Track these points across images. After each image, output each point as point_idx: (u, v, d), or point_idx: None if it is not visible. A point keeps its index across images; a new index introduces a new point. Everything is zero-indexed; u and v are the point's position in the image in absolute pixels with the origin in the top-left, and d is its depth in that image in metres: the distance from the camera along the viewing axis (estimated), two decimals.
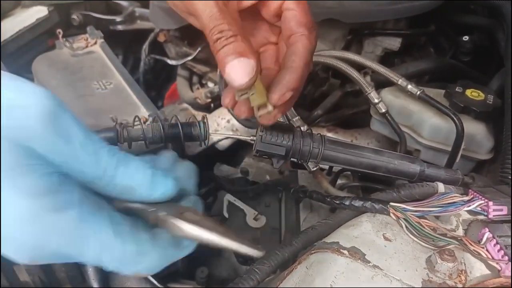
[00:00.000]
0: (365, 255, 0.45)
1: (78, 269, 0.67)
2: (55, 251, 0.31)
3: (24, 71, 0.91)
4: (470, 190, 0.51)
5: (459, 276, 0.43)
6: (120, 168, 0.34)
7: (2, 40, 0.92)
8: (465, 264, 0.45)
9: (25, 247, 0.30)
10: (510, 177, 0.56)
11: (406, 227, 0.47)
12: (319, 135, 0.51)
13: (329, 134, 0.89)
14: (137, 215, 0.36)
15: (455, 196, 0.49)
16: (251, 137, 0.50)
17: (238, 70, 0.37)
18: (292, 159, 0.51)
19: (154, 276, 0.54)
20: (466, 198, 0.49)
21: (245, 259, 0.68)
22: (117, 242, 0.32)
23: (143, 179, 0.36)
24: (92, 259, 0.32)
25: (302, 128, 0.55)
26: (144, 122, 0.51)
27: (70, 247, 0.31)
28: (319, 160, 0.50)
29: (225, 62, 0.37)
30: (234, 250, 0.35)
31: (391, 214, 0.49)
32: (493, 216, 0.48)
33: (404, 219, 0.48)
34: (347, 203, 0.52)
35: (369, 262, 0.44)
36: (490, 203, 0.48)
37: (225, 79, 0.39)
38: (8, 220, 0.29)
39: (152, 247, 0.34)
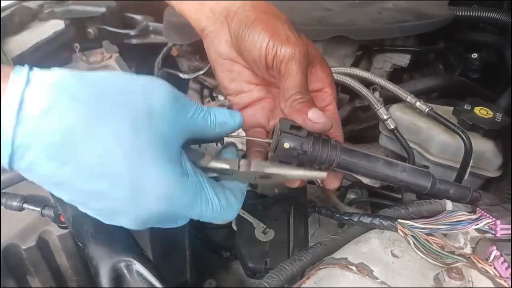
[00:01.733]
0: (373, 271, 0.45)
1: (89, 278, 0.68)
2: (178, 210, 0.40)
3: None
4: (477, 208, 0.51)
5: None
6: (213, 113, 0.45)
7: (20, 52, 0.95)
8: (472, 282, 0.45)
9: (160, 205, 0.38)
10: None
11: (414, 244, 0.48)
12: (335, 141, 0.50)
13: None
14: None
15: (463, 214, 0.50)
16: (267, 140, 0.50)
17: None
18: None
19: (164, 286, 0.55)
20: (474, 217, 0.50)
21: (253, 272, 0.68)
22: (215, 199, 0.42)
23: (227, 114, 0.46)
24: (196, 215, 0.42)
25: None
26: None
27: (189, 205, 0.40)
28: (334, 167, 0.50)
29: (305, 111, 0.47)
30: (304, 177, 0.48)
31: (399, 231, 0.49)
32: (501, 234, 0.49)
33: (412, 236, 0.48)
34: (355, 219, 0.53)
35: (377, 278, 0.45)
36: (498, 222, 0.48)
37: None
38: (158, 184, 0.37)
39: (235, 200, 0.46)
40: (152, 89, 0.39)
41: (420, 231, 0.48)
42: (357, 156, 0.50)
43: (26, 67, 0.35)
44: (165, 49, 1.09)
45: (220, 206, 0.43)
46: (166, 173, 0.37)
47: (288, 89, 0.48)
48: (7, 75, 0.34)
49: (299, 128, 0.48)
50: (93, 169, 0.35)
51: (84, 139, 0.34)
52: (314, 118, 0.46)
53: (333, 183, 0.52)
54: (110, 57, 0.82)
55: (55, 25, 1.04)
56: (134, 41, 1.11)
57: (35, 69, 0.36)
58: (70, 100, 0.34)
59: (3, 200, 0.61)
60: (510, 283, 0.43)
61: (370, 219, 0.52)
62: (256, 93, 0.56)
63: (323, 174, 0.47)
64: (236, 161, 0.46)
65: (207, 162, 0.45)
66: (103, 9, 1.09)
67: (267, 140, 0.50)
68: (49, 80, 0.35)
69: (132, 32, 1.11)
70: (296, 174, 0.46)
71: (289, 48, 0.48)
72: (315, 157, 0.48)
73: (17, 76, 0.34)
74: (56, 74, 0.36)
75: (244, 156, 0.56)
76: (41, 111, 0.33)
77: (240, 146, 0.95)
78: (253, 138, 0.52)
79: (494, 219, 0.48)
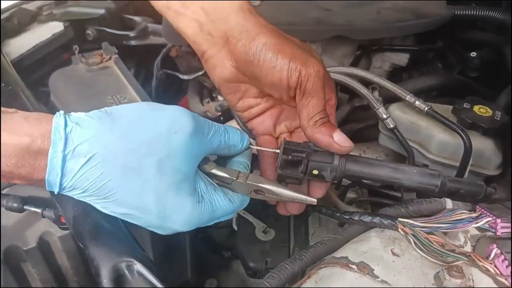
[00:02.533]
0: (374, 270, 0.45)
1: (89, 278, 0.68)
2: (197, 224, 0.47)
3: (40, 85, 0.94)
4: (477, 207, 0.51)
5: None
6: (227, 135, 0.50)
7: (19, 54, 0.95)
8: (473, 281, 0.45)
9: (184, 228, 0.47)
10: None
11: (415, 242, 0.48)
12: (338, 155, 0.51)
13: None
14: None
15: (463, 213, 0.50)
16: (274, 149, 0.53)
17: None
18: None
19: (165, 286, 0.55)
20: (474, 215, 0.50)
21: (254, 272, 0.69)
22: (230, 204, 0.49)
23: (238, 138, 0.51)
24: (215, 220, 0.49)
25: None
26: None
27: (206, 219, 0.48)
28: (339, 178, 0.52)
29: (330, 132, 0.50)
30: (295, 199, 0.49)
31: (400, 230, 0.49)
32: (501, 233, 0.49)
33: (412, 234, 0.48)
34: (356, 218, 0.53)
35: (377, 277, 0.45)
36: (498, 220, 0.48)
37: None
38: (182, 217, 0.45)
39: (248, 198, 0.51)
40: (175, 133, 0.43)
41: (420, 230, 0.48)
42: (363, 165, 0.51)
43: (62, 118, 0.42)
44: (164, 50, 1.09)
45: (235, 205, 0.50)
46: (184, 204, 0.45)
47: (313, 108, 0.50)
48: (48, 134, 0.41)
49: (303, 145, 0.51)
50: (129, 203, 0.44)
51: (120, 187, 0.43)
52: (341, 142, 0.49)
53: (317, 193, 0.55)
54: (109, 58, 0.82)
55: (54, 27, 1.04)
56: (133, 42, 1.11)
57: (72, 122, 0.42)
58: (104, 156, 0.41)
59: (3, 202, 0.61)
60: (510, 281, 0.43)
61: (370, 218, 0.52)
62: (264, 104, 0.58)
63: (312, 200, 0.50)
64: (236, 172, 0.50)
65: (210, 168, 0.49)
66: (102, 11, 1.09)
67: (273, 150, 0.53)
68: (85, 135, 0.41)
69: (131, 34, 1.11)
70: (287, 195, 0.49)
71: (313, 68, 0.50)
72: (319, 168, 0.50)
73: (56, 134, 0.41)
74: (91, 129, 0.42)
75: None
76: (80, 167, 0.41)
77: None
78: (263, 149, 0.55)
79: (494, 217, 0.48)
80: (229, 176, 0.49)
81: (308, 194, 0.53)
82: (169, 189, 0.44)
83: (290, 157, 0.50)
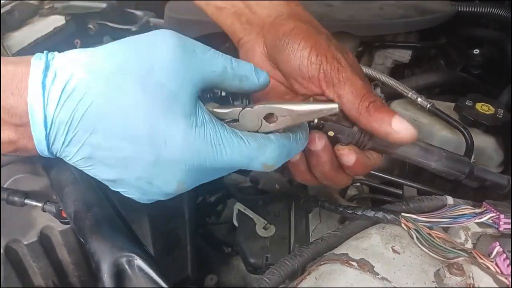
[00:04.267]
0: (374, 267, 0.45)
1: (90, 273, 0.68)
2: (203, 162, 0.39)
3: None
4: (483, 203, 0.51)
5: None
6: (235, 62, 0.42)
7: (20, 48, 0.95)
8: (473, 278, 0.45)
9: (186, 162, 0.39)
10: None
11: (417, 237, 0.48)
12: None
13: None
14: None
15: (465, 208, 0.50)
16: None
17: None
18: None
19: (165, 282, 0.55)
20: (477, 210, 0.50)
21: (254, 268, 0.69)
22: (242, 143, 0.40)
23: (250, 69, 0.43)
24: (227, 163, 0.40)
25: None
26: None
27: (212, 154, 0.39)
28: (368, 147, 0.49)
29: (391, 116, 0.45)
30: (317, 111, 0.41)
31: (402, 225, 0.49)
32: (504, 229, 0.48)
33: (415, 229, 0.48)
34: (359, 213, 0.53)
35: (377, 274, 0.45)
36: (502, 216, 0.48)
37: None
38: (180, 143, 0.38)
39: (268, 141, 0.42)
40: (155, 44, 0.38)
41: (423, 225, 0.48)
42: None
43: (45, 52, 0.38)
44: None
45: (250, 146, 0.41)
46: (178, 126, 0.38)
47: (354, 93, 0.46)
48: (29, 62, 0.37)
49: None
50: (118, 134, 0.37)
51: (104, 111, 0.37)
52: (399, 129, 0.44)
53: (315, 144, 0.49)
54: None
55: (56, 21, 1.03)
56: None
57: (53, 53, 0.38)
58: (86, 78, 0.37)
59: (4, 196, 0.61)
60: (511, 280, 0.43)
61: (373, 212, 0.52)
62: None
63: (333, 105, 0.41)
64: (241, 107, 0.42)
65: (212, 107, 0.43)
66: (103, 5, 1.08)
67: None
68: (68, 59, 0.37)
69: (133, 28, 1.10)
70: (303, 108, 0.41)
71: (336, 56, 0.47)
72: (354, 134, 0.47)
73: (37, 60, 0.37)
74: (73, 56, 0.38)
75: None
76: (63, 93, 0.36)
77: None
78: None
79: (498, 213, 0.48)
80: (236, 109, 0.41)
81: (338, 156, 0.48)
82: (156, 108, 0.37)
83: None
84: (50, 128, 0.37)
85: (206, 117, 0.40)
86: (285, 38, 0.49)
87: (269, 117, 0.41)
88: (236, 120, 0.42)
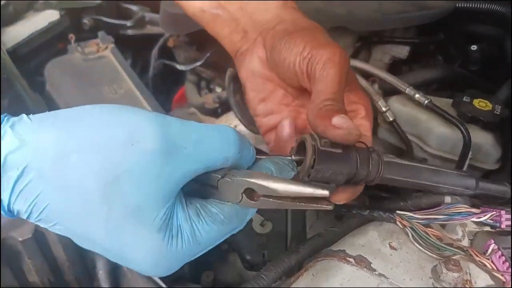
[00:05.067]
0: (371, 263, 0.45)
1: (86, 270, 0.68)
2: (179, 264, 0.37)
3: (36, 74, 0.93)
4: (481, 207, 0.51)
5: (464, 286, 0.44)
6: (238, 154, 0.37)
7: (14, 43, 0.94)
8: (470, 274, 0.45)
9: (157, 271, 0.36)
10: None
11: (412, 235, 0.48)
12: (376, 154, 0.44)
13: None
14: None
15: (462, 207, 0.50)
16: (292, 156, 0.42)
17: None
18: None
19: (161, 278, 0.55)
20: (474, 210, 0.50)
21: (251, 265, 0.68)
22: (223, 227, 0.37)
23: (252, 158, 0.40)
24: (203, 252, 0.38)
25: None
26: None
27: (198, 252, 0.37)
28: (375, 183, 0.45)
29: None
30: (308, 194, 0.36)
31: (398, 222, 0.49)
32: (506, 226, 0.48)
33: (410, 227, 0.48)
34: (354, 211, 0.53)
35: (375, 270, 0.45)
36: (503, 212, 0.48)
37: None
38: (143, 257, 0.34)
39: (250, 215, 0.39)
40: (132, 143, 0.32)
41: (418, 222, 0.48)
42: (400, 170, 0.45)
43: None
44: (161, 40, 1.08)
45: (231, 225, 0.38)
46: (146, 244, 0.34)
47: (320, 93, 0.43)
48: None
49: (332, 143, 0.41)
50: (80, 235, 0.34)
51: (62, 212, 0.33)
52: (338, 123, 0.39)
53: (342, 198, 0.45)
54: (106, 48, 0.81)
55: (50, 16, 1.02)
56: (130, 32, 1.09)
57: (6, 125, 0.32)
58: (38, 169, 0.31)
59: None
60: (507, 277, 0.43)
61: (368, 211, 0.52)
62: (286, 114, 0.53)
63: (324, 192, 0.37)
64: (219, 174, 0.37)
65: None
66: (98, 0, 1.08)
67: (292, 157, 0.42)
68: (17, 141, 0.31)
69: (128, 23, 1.09)
70: (290, 189, 0.35)
71: (326, 51, 0.44)
72: (354, 176, 0.42)
73: None
74: (24, 132, 0.32)
75: None
76: (14, 182, 0.31)
77: None
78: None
79: (498, 210, 0.48)
80: (213, 175, 0.36)
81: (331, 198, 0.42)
82: (121, 222, 0.33)
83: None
84: (11, 209, 0.33)
85: (180, 218, 0.35)
86: (284, 39, 0.48)
87: (250, 192, 0.36)
88: (215, 187, 0.37)
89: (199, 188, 0.37)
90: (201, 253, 0.38)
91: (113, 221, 0.32)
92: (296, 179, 0.38)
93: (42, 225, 0.34)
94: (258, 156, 0.40)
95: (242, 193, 0.35)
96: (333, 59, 0.44)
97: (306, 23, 0.50)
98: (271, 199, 0.35)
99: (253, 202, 0.36)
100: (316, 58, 0.44)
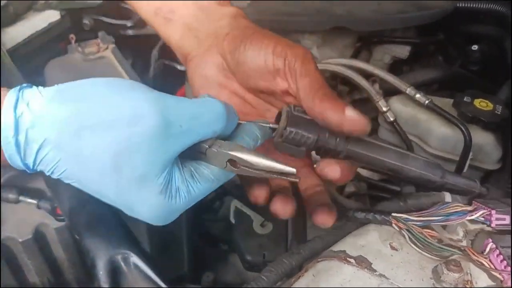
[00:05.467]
0: (372, 264, 0.45)
1: (85, 270, 0.68)
2: (173, 216, 0.43)
3: (36, 74, 0.93)
4: (474, 202, 0.51)
5: (465, 287, 0.43)
6: (224, 125, 0.42)
7: (15, 43, 0.94)
8: (471, 275, 0.45)
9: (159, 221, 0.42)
10: None
11: (409, 237, 0.47)
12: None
13: None
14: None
15: (458, 206, 0.49)
16: (271, 124, 0.47)
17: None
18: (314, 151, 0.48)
19: (161, 279, 0.55)
20: (469, 208, 0.49)
21: (251, 265, 0.68)
22: (209, 186, 0.43)
23: (234, 125, 0.44)
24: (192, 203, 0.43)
25: None
26: None
27: (189, 204, 0.42)
28: (342, 156, 0.47)
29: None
30: (278, 170, 0.41)
31: (393, 225, 0.49)
32: (496, 225, 0.48)
33: (406, 229, 0.48)
34: (349, 214, 0.52)
35: (375, 271, 0.44)
36: (493, 211, 0.48)
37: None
38: (147, 212, 0.41)
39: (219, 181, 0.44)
40: (134, 120, 0.37)
41: (414, 224, 0.48)
42: (368, 146, 0.47)
43: (14, 95, 0.37)
44: (161, 40, 1.08)
45: (214, 184, 0.43)
46: (150, 203, 0.40)
47: (311, 84, 0.46)
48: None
49: (304, 112, 0.46)
50: (94, 190, 0.40)
51: (79, 176, 0.39)
52: (353, 117, 0.43)
53: (332, 172, 0.47)
54: (106, 48, 0.81)
55: (50, 16, 1.02)
56: (130, 32, 1.09)
57: (23, 102, 0.37)
58: (56, 141, 0.37)
59: None
60: (505, 276, 0.43)
61: (363, 214, 0.51)
62: (243, 104, 0.54)
63: (292, 170, 0.42)
64: (212, 140, 0.43)
65: None
66: (99, 0, 1.07)
67: (270, 125, 0.46)
68: (35, 117, 0.37)
69: (128, 23, 1.09)
70: (263, 164, 0.41)
71: (300, 50, 0.47)
72: (323, 144, 0.46)
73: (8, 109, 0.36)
74: (41, 109, 0.37)
75: None
76: (35, 153, 0.37)
77: None
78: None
79: (489, 209, 0.48)
80: (202, 145, 0.42)
81: (323, 175, 0.47)
82: (129, 186, 0.39)
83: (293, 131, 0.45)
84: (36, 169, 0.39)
85: (177, 180, 0.41)
86: (247, 41, 0.49)
87: (232, 162, 0.42)
88: (204, 154, 0.43)
89: (190, 152, 0.42)
90: (194, 203, 0.44)
91: (122, 185, 0.39)
92: (271, 155, 0.43)
93: (63, 180, 0.40)
94: (240, 121, 0.46)
95: (226, 162, 0.42)
96: (308, 56, 0.47)
97: (260, 29, 0.52)
98: (249, 169, 0.42)
99: (235, 169, 0.42)
100: (293, 56, 0.47)
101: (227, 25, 0.53)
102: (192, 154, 0.43)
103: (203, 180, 0.42)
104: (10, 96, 0.37)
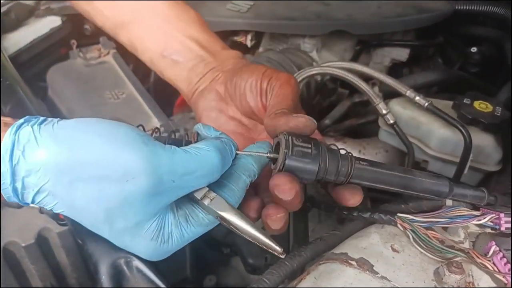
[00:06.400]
0: (373, 266, 0.45)
1: (88, 275, 0.68)
2: (166, 255, 0.45)
3: (38, 80, 0.93)
4: (481, 209, 0.50)
5: None
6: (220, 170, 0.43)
7: (17, 49, 0.94)
8: (472, 276, 0.45)
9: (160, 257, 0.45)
10: None
11: (413, 238, 0.48)
12: (347, 154, 0.46)
13: (338, 144, 0.90)
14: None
15: (463, 210, 0.50)
16: (268, 154, 0.46)
17: None
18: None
19: (163, 283, 0.55)
20: (475, 213, 0.50)
21: (253, 268, 0.68)
22: (202, 231, 0.44)
23: (217, 175, 0.44)
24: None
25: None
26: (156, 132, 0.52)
27: (181, 245, 0.44)
28: (346, 182, 0.46)
29: None
30: (261, 242, 0.42)
31: (399, 225, 0.49)
32: (505, 228, 0.48)
33: (411, 230, 0.48)
34: (355, 213, 0.53)
35: (377, 273, 0.45)
36: (502, 215, 0.48)
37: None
38: (141, 253, 0.43)
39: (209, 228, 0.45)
40: (129, 179, 0.38)
41: (419, 225, 0.48)
42: (370, 175, 0.46)
43: (10, 139, 0.38)
44: None
45: (206, 229, 0.45)
46: (143, 247, 0.42)
47: (276, 105, 0.50)
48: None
49: (304, 140, 0.44)
50: (88, 225, 0.42)
51: (76, 218, 0.41)
52: (297, 116, 0.46)
53: (353, 200, 0.48)
54: (108, 53, 0.82)
55: (52, 22, 1.02)
56: None
57: (19, 147, 0.37)
58: (51, 188, 0.38)
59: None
60: (508, 278, 0.43)
61: (369, 213, 0.52)
62: (241, 142, 0.54)
63: (278, 249, 0.42)
64: (204, 190, 0.43)
65: None
66: None
67: (268, 155, 0.46)
68: (31, 164, 0.37)
69: None
70: (250, 232, 0.42)
71: (284, 75, 0.53)
72: (325, 172, 0.44)
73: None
74: (37, 155, 0.37)
75: None
76: (33, 196, 0.38)
77: None
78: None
79: (497, 213, 0.48)
80: (195, 195, 0.43)
81: (342, 200, 0.48)
82: (122, 235, 0.41)
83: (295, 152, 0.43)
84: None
85: (171, 224, 0.42)
86: (244, 67, 0.56)
87: (222, 218, 0.43)
88: (197, 199, 0.43)
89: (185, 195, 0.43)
90: (186, 244, 0.45)
91: (114, 234, 0.41)
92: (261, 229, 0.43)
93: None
94: (238, 152, 0.46)
95: (217, 216, 0.43)
96: (290, 82, 0.52)
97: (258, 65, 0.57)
98: (235, 230, 0.43)
99: (225, 224, 0.43)
100: (276, 79, 0.53)
101: (232, 64, 0.59)
102: (187, 196, 0.43)
103: (197, 224, 0.43)
104: (6, 140, 0.37)
